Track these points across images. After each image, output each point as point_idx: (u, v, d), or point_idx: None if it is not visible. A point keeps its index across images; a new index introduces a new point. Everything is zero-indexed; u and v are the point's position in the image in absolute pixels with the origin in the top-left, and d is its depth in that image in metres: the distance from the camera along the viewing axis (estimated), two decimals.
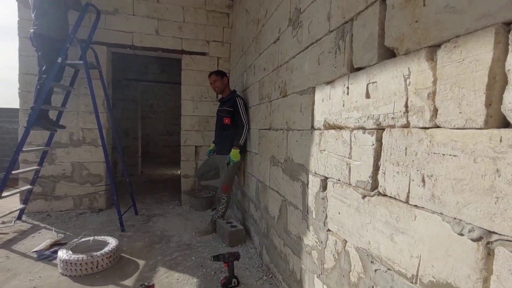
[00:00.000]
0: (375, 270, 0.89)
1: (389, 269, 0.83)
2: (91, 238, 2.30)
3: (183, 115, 3.77)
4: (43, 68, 2.73)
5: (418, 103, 0.73)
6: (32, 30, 2.67)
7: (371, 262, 0.91)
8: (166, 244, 2.55)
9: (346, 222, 1.05)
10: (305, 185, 1.40)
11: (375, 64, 0.90)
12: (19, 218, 3.03)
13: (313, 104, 1.33)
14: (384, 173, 0.85)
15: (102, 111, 3.43)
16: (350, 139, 1.02)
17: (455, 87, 0.63)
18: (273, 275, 1.92)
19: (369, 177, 0.92)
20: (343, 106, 1.07)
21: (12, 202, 3.50)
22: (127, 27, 3.46)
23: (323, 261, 1.22)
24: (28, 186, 2.98)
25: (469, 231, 0.60)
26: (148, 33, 3.54)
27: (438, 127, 0.68)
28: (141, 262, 2.21)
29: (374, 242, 0.89)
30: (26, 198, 3.05)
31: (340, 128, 1.10)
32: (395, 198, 0.82)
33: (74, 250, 2.10)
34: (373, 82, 0.91)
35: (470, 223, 0.60)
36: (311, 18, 1.35)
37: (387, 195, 0.85)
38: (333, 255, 1.14)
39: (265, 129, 2.10)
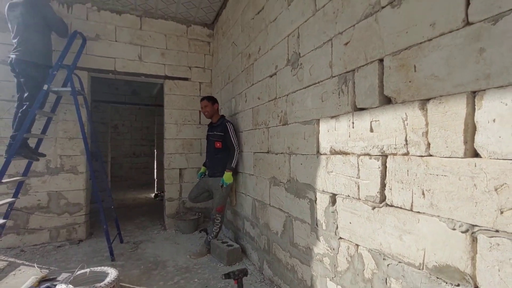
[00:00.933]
0: (388, 265, 1.15)
1: (399, 262, 1.10)
2: (87, 270, 2.21)
3: (166, 138, 3.81)
4: (25, 95, 2.63)
5: (415, 139, 1.03)
6: (13, 56, 2.58)
7: (383, 259, 1.17)
8: (163, 270, 2.55)
9: (358, 229, 1.30)
10: (313, 202, 1.65)
11: (377, 107, 1.20)
12: None
13: (318, 133, 1.60)
14: (391, 189, 1.13)
15: (82, 137, 3.34)
16: (358, 163, 1.30)
17: (442, 129, 0.94)
18: (278, 287, 2.09)
19: (377, 192, 1.19)
20: (349, 136, 1.35)
21: None
22: (109, 53, 3.49)
23: (336, 265, 1.45)
24: (2, 220, 2.74)
25: (459, 226, 0.89)
26: (131, 59, 3.59)
27: (431, 155, 0.98)
28: None
29: (385, 243, 1.16)
30: None
31: (346, 153, 1.38)
32: (401, 208, 1.09)
33: (74, 283, 2.02)
34: (376, 120, 1.20)
35: (459, 221, 0.89)
36: (312, 63, 1.65)
37: (393, 206, 1.13)
38: (346, 258, 1.38)
39: (263, 152, 2.32)
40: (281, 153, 2.02)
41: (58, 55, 2.88)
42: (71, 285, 1.97)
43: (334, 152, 1.47)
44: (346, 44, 1.38)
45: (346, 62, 1.38)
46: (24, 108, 2.60)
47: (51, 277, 2.37)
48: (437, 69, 0.96)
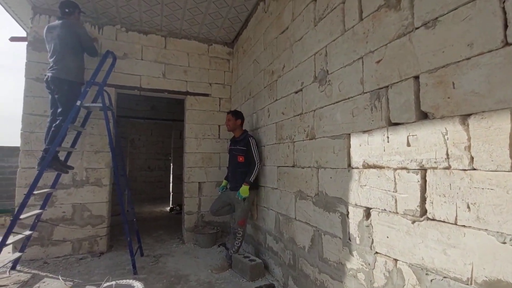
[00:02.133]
0: (431, 280, 1.14)
1: (445, 277, 1.09)
2: (113, 283, 2.25)
3: (186, 152, 3.90)
4: (59, 110, 2.78)
5: (457, 153, 1.06)
6: (50, 74, 2.76)
7: (426, 274, 1.16)
8: (185, 284, 2.55)
9: (396, 244, 1.30)
10: (344, 216, 1.65)
11: (413, 122, 1.24)
12: (13, 268, 2.80)
13: (349, 147, 1.63)
14: (432, 203, 1.15)
15: (108, 150, 3.46)
16: (394, 177, 1.32)
17: (486, 144, 0.97)
18: None
19: (417, 206, 1.20)
20: (384, 151, 1.38)
21: None
22: (135, 71, 3.66)
23: (372, 280, 1.44)
24: (28, 232, 2.82)
25: (510, 240, 0.90)
26: (155, 76, 3.76)
27: (475, 169, 1.00)
28: None
29: (428, 258, 1.15)
30: (23, 245, 2.86)
31: (381, 167, 1.40)
32: (444, 221, 1.10)
33: None
34: (413, 135, 1.24)
35: (510, 234, 0.90)
36: (341, 80, 1.71)
37: (436, 220, 1.13)
38: (384, 274, 1.37)
39: (287, 166, 2.36)
40: (308, 167, 2.05)
41: (90, 73, 3.06)
42: None
43: (367, 166, 1.49)
44: (378, 62, 1.44)
45: (378, 79, 1.43)
46: (57, 122, 2.74)
47: None
48: (477, 86, 1.00)
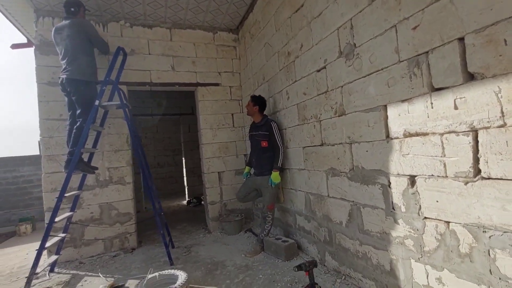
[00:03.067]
0: (490, 237, 1.17)
1: (505, 231, 1.12)
2: (156, 274, 2.29)
3: (203, 143, 3.91)
4: (78, 112, 2.77)
5: None
6: (64, 76, 2.73)
7: (483, 231, 1.19)
8: (224, 269, 2.62)
9: (448, 207, 1.33)
10: (385, 186, 1.68)
11: (460, 84, 1.23)
12: (51, 270, 2.87)
13: (386, 118, 1.64)
14: (487, 162, 1.16)
15: (126, 148, 3.48)
16: (442, 142, 1.33)
17: None
18: (346, 276, 2.11)
19: (470, 167, 1.22)
20: (428, 117, 1.38)
21: (16, 257, 3.35)
22: (144, 66, 3.62)
23: (422, 245, 1.47)
24: (62, 234, 2.87)
25: None
26: (165, 69, 3.72)
27: None
28: None
29: (485, 216, 1.18)
30: (58, 247, 2.92)
31: (425, 134, 1.41)
32: (501, 179, 1.12)
33: (148, 287, 2.10)
34: (461, 97, 1.23)
35: None
36: (372, 51, 1.69)
37: (492, 178, 1.15)
38: (435, 237, 1.40)
39: (315, 145, 2.37)
40: (340, 144, 2.06)
41: (104, 72, 3.03)
42: None
43: (409, 135, 1.50)
44: (414, 28, 1.42)
45: (416, 45, 1.42)
46: (78, 124, 2.74)
47: (119, 284, 2.46)
48: None
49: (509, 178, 1.09)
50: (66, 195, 2.65)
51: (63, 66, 2.78)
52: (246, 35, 3.82)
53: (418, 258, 1.51)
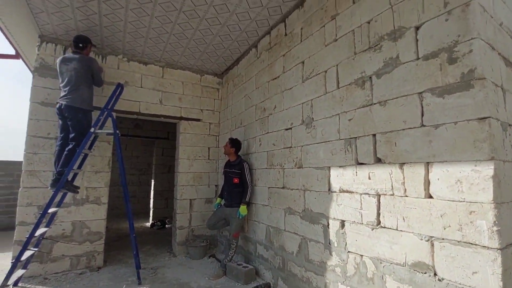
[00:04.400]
0: (383, 266, 1.79)
1: (391, 263, 1.74)
2: None
3: (179, 172, 4.29)
4: (72, 135, 3.05)
5: (397, 186, 1.74)
6: (64, 102, 3.04)
7: (380, 263, 1.81)
8: None
9: (362, 244, 1.94)
10: (325, 226, 2.27)
11: (372, 163, 1.91)
12: (15, 284, 2.93)
13: (329, 176, 2.28)
14: (384, 217, 1.81)
15: (107, 170, 3.74)
16: (361, 199, 1.98)
17: (412, 181, 1.65)
18: None
19: (375, 218, 1.86)
20: (354, 181, 2.04)
21: None
22: (135, 97, 4.03)
23: (346, 271, 2.06)
24: (34, 249, 2.98)
25: (424, 238, 1.57)
26: (153, 102, 4.16)
27: (407, 196, 1.68)
28: None
29: (381, 252, 1.80)
30: (27, 261, 3.00)
31: (352, 192, 2.06)
32: (390, 228, 1.76)
33: None
34: (372, 172, 1.91)
35: (425, 235, 1.57)
36: (323, 127, 2.38)
37: (386, 227, 1.79)
38: (353, 266, 2.00)
39: (278, 187, 2.94)
40: (296, 189, 2.66)
41: (97, 98, 3.38)
42: None
43: (342, 191, 2.14)
44: (350, 120, 2.13)
45: (350, 131, 2.11)
46: (71, 147, 3.01)
47: None
48: (408, 147, 1.70)
49: (394, 228, 1.74)
50: (50, 211, 2.85)
51: (64, 93, 3.10)
52: (229, 82, 4.46)
53: (343, 281, 2.08)
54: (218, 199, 3.66)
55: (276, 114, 3.09)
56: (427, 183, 1.58)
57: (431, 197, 1.56)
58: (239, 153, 3.58)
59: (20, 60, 4.77)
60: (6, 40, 4.00)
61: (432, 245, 1.53)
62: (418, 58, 1.69)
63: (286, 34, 3.03)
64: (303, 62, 2.71)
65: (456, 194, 1.43)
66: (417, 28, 1.72)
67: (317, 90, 2.48)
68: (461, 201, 1.41)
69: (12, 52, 4.56)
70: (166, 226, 6.11)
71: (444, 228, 1.47)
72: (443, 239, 1.48)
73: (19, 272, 2.88)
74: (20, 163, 6.48)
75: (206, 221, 3.64)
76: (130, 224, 3.16)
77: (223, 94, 4.70)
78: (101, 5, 2.94)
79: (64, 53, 3.58)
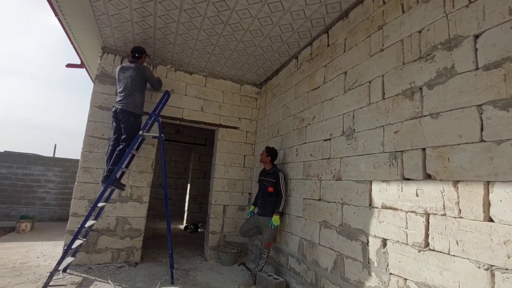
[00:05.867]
0: None
1: None
2: None
3: (215, 177, 4.41)
4: (123, 137, 3.33)
5: (450, 205, 1.59)
6: (119, 106, 3.34)
7: None
8: None
9: (406, 267, 1.79)
10: (365, 244, 2.15)
11: (421, 180, 1.78)
12: (64, 270, 3.20)
13: (370, 191, 2.17)
14: (433, 238, 1.66)
15: (150, 171, 3.98)
16: (406, 217, 1.84)
17: (468, 201, 1.50)
18: None
19: (422, 240, 1.71)
20: (399, 197, 1.91)
21: (17, 253, 3.64)
22: (179, 104, 4.28)
23: None
24: (84, 239, 3.25)
25: (483, 266, 1.40)
26: (195, 109, 4.38)
27: (462, 217, 1.53)
28: None
29: (429, 277, 1.65)
30: (75, 250, 3.28)
31: (396, 209, 1.93)
32: (441, 252, 1.61)
33: None
34: (420, 189, 1.78)
35: (483, 262, 1.41)
36: (366, 139, 2.29)
37: (435, 250, 1.64)
38: None
39: (314, 199, 2.87)
40: (334, 202, 2.56)
41: (147, 104, 3.66)
42: None
43: (385, 207, 2.02)
44: (395, 132, 2.02)
45: (395, 144, 2.00)
46: (121, 147, 3.28)
47: None
48: (464, 163, 1.55)
49: (445, 252, 1.58)
50: (99, 205, 3.10)
51: (119, 98, 3.41)
52: (268, 92, 4.53)
53: None
54: (252, 207, 3.67)
55: (314, 125, 3.05)
56: (486, 204, 1.43)
57: (491, 220, 1.40)
58: (274, 162, 3.57)
59: (83, 69, 5.38)
60: (74, 51, 4.56)
61: (493, 275, 1.36)
62: (477, 68, 1.56)
63: (328, 45, 3.01)
64: (345, 73, 2.66)
65: None
66: (477, 36, 1.60)
67: (360, 101, 2.41)
68: None
69: (78, 62, 5.17)
70: (199, 230, 6.26)
71: (508, 257, 1.30)
72: (506, 269, 1.31)
73: (68, 260, 3.14)
74: (75, 160, 7.23)
75: (238, 228, 3.65)
76: (167, 224, 3.30)
77: (261, 103, 4.78)
78: (156, 20, 3.22)
79: (121, 63, 3.96)
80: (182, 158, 9.55)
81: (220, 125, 4.53)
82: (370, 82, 2.34)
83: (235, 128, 4.63)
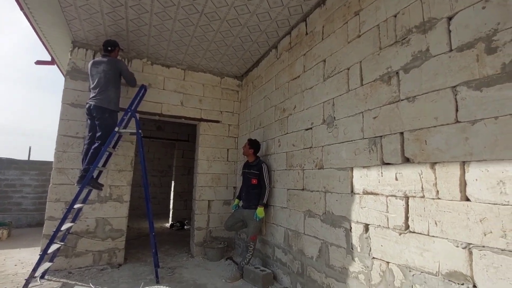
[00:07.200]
0: (413, 275, 1.65)
1: (421, 272, 1.60)
2: None
3: (198, 173, 4.32)
4: (98, 134, 3.17)
5: (428, 187, 1.60)
6: (93, 103, 3.17)
7: (409, 271, 1.67)
8: None
9: (388, 250, 1.81)
10: (348, 230, 2.15)
11: (400, 163, 1.79)
12: (42, 277, 3.05)
13: (351, 178, 2.17)
14: (413, 221, 1.67)
15: (130, 170, 3.84)
16: (386, 202, 1.85)
17: (446, 182, 1.52)
18: None
19: (403, 223, 1.73)
20: (379, 182, 1.92)
21: (1, 262, 3.46)
22: (158, 99, 4.14)
23: (370, 279, 1.92)
24: (61, 243, 3.10)
25: (461, 245, 1.43)
26: (175, 104, 4.24)
27: (439, 199, 1.55)
28: None
29: (410, 259, 1.67)
30: (53, 255, 3.12)
31: (376, 194, 1.93)
32: (420, 233, 1.62)
33: None
34: (399, 172, 1.78)
35: (460, 241, 1.43)
36: (346, 126, 2.28)
37: (415, 232, 1.66)
38: (379, 273, 1.86)
39: (297, 189, 2.86)
40: (317, 191, 2.56)
41: (123, 100, 3.50)
42: None
43: (366, 193, 2.02)
44: (374, 118, 2.02)
45: (374, 130, 2.00)
46: (96, 145, 3.13)
47: None
48: (440, 145, 1.56)
49: (424, 233, 1.60)
50: (75, 206, 2.95)
51: (93, 94, 3.24)
52: (249, 84, 4.46)
53: None
54: (236, 201, 3.62)
55: (296, 114, 3.02)
56: (463, 184, 1.44)
57: (468, 199, 1.42)
58: (258, 154, 3.53)
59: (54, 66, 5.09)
60: (44, 47, 4.28)
61: (471, 253, 1.38)
62: (451, 50, 1.57)
63: (307, 33, 2.97)
64: (324, 61, 2.64)
65: (499, 196, 1.29)
66: (450, 18, 1.60)
67: (339, 88, 2.39)
68: (504, 204, 1.27)
69: (48, 58, 4.87)
70: (185, 227, 6.17)
71: (485, 235, 1.33)
72: (483, 246, 1.33)
73: (46, 265, 2.99)
74: (52, 163, 6.90)
75: (224, 223, 3.60)
76: (149, 222, 3.20)
77: (242, 96, 4.71)
78: (128, 10, 3.05)
79: (94, 57, 3.76)
80: (165, 155, 9.33)
81: (201, 119, 4.42)
82: (348, 69, 2.32)
83: (217, 121, 4.54)
